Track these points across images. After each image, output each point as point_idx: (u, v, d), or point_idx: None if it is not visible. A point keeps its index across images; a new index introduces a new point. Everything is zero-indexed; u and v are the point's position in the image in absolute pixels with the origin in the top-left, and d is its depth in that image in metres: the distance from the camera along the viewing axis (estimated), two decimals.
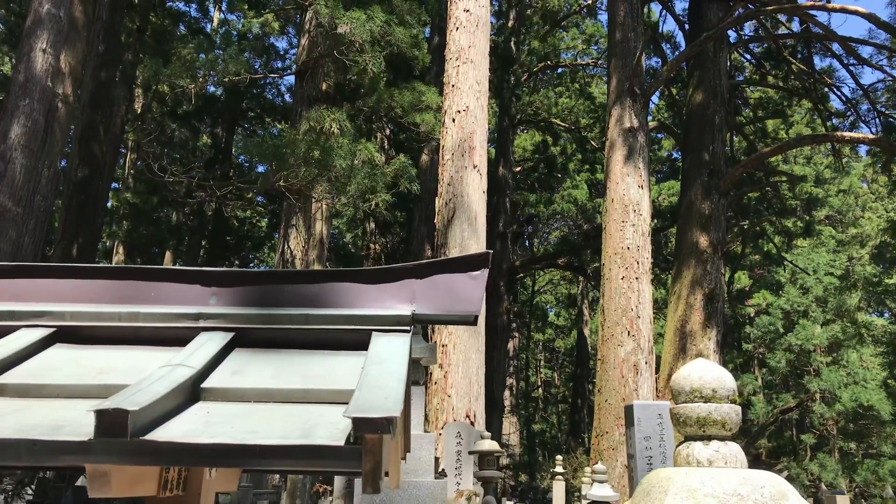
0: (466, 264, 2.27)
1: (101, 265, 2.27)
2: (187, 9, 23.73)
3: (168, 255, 24.31)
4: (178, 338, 2.04)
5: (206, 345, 1.93)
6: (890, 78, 18.28)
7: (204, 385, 1.75)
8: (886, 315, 26.43)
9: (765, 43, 19.91)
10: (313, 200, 13.00)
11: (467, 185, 11.61)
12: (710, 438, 2.76)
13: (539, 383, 41.19)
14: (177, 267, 2.26)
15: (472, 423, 10.15)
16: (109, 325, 2.07)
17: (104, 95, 15.64)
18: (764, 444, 19.93)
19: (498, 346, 22.38)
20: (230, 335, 2.03)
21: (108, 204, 20.88)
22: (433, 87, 15.46)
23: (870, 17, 14.53)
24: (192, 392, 1.71)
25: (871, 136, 16.47)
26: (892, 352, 21.71)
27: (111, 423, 1.38)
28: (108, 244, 23.46)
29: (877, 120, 18.50)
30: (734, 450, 2.72)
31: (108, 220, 21.94)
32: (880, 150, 17.79)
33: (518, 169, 27.42)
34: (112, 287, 2.16)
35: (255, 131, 24.53)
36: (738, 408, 2.82)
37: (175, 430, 1.46)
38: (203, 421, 1.54)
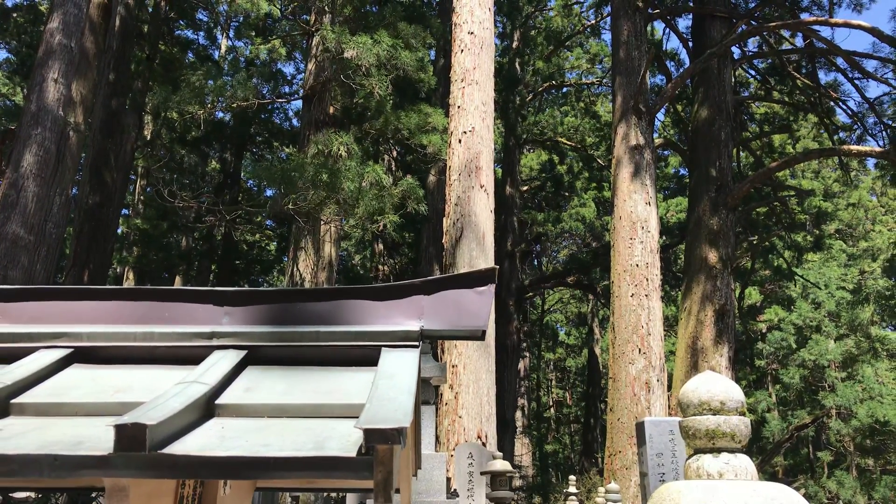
0: (473, 280, 2.31)
1: (116, 287, 2.32)
2: (195, 37, 24.13)
3: (178, 279, 24.45)
4: (192, 356, 2.08)
5: (220, 362, 1.97)
6: None
7: (218, 401, 1.79)
8: None
9: (769, 58, 19.99)
10: (322, 223, 13.10)
11: (475, 204, 11.67)
12: (719, 451, 2.76)
13: (551, 403, 40.91)
14: (190, 287, 2.31)
15: (483, 444, 10.11)
16: (125, 345, 2.12)
17: (115, 123, 15.88)
18: (780, 461, 19.70)
19: (508, 366, 22.30)
20: (243, 353, 2.07)
21: (119, 230, 21.10)
22: (439, 108, 15.61)
23: (873, 31, 14.59)
24: (206, 408, 1.75)
25: (878, 149, 16.45)
26: None
27: (130, 438, 1.42)
28: (118, 270, 23.64)
29: (884, 133, 18.47)
30: (744, 462, 2.72)
31: (119, 246, 22.14)
32: (888, 163, 17.76)
33: (525, 188, 27.52)
34: (127, 308, 2.21)
35: (263, 155, 24.77)
36: (747, 419, 2.82)
37: (191, 444, 1.50)
38: (218, 435, 1.58)
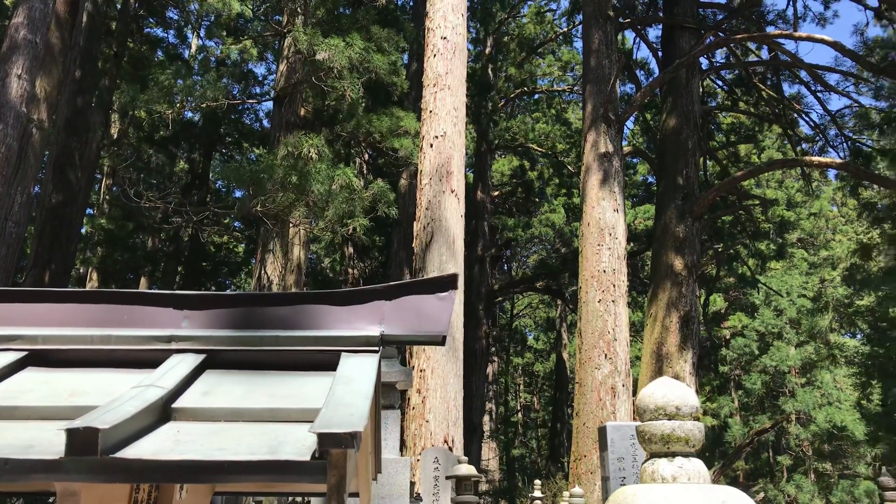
0: (435, 286, 2.34)
1: (73, 289, 2.30)
2: (165, 35, 23.83)
3: (143, 280, 24.06)
4: (149, 360, 2.07)
5: (178, 366, 1.97)
6: (856, 104, 18.80)
7: (175, 405, 1.79)
8: (858, 336, 26.86)
9: (735, 70, 20.41)
10: (291, 225, 13.02)
11: (445, 209, 11.71)
12: (674, 455, 2.83)
13: (518, 408, 41.09)
14: (149, 291, 2.30)
15: (450, 448, 10.13)
16: (81, 349, 2.10)
17: (80, 121, 15.60)
18: (741, 465, 20.05)
19: (477, 370, 22.37)
20: (202, 357, 2.07)
21: (83, 230, 20.70)
22: (411, 112, 15.63)
23: (835, 46, 14.98)
24: (162, 412, 1.75)
25: (839, 161, 16.88)
26: (864, 373, 22.03)
27: (82, 442, 1.42)
28: (81, 271, 23.19)
29: (845, 144, 18.96)
30: (697, 466, 2.79)
31: (83, 246, 21.72)
32: (849, 175, 18.23)
33: (496, 193, 27.66)
34: (84, 311, 2.19)
35: (232, 156, 24.53)
36: (702, 425, 2.90)
37: (145, 448, 1.50)
38: (173, 439, 1.58)
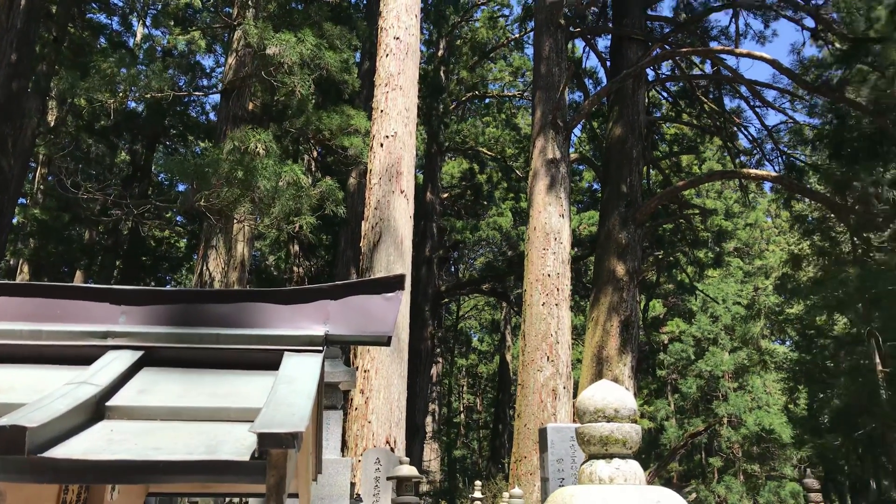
0: (381, 286, 2.34)
1: (2, 282, 2.21)
2: (109, 22, 23.04)
3: (79, 274, 23.21)
4: (84, 356, 2.01)
5: (113, 363, 1.91)
6: (792, 120, 19.59)
7: (109, 403, 1.74)
8: (787, 343, 27.98)
9: (680, 82, 21.00)
10: (235, 221, 12.77)
11: (394, 209, 11.68)
12: (612, 457, 2.89)
13: (461, 409, 41.28)
14: (85, 285, 2.23)
15: (392, 449, 10.11)
16: (9, 344, 2.02)
17: (14, 106, 14.93)
18: (675, 467, 20.62)
19: (421, 371, 22.37)
20: (139, 354, 2.01)
21: (14, 220, 19.83)
22: (362, 111, 15.54)
23: (773, 63, 15.57)
24: (95, 410, 1.70)
25: (774, 174, 17.55)
26: (791, 378, 22.94)
27: (8, 441, 1.36)
28: (11, 263, 22.22)
29: (780, 159, 19.72)
30: (634, 467, 2.86)
31: (14, 237, 20.80)
32: (782, 188, 18.96)
33: (445, 195, 27.74)
34: (14, 304, 2.11)
35: (176, 149, 23.90)
36: (639, 427, 2.97)
37: (75, 448, 1.45)
38: (106, 438, 1.53)
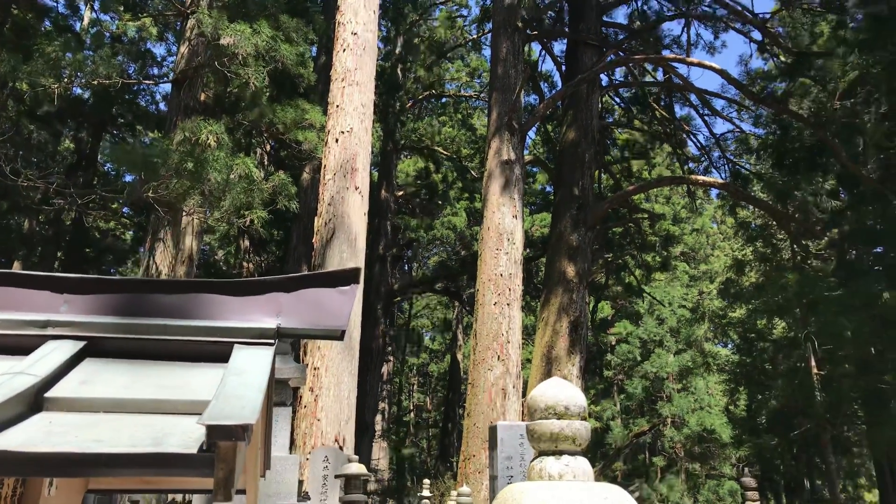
0: (336, 279, 2.31)
1: None
2: (54, 4, 22.29)
3: (17, 265, 22.33)
4: (21, 346, 1.92)
5: (53, 353, 1.84)
6: (738, 129, 20.20)
7: (48, 395, 1.67)
8: (730, 346, 28.86)
9: (633, 89, 21.43)
10: (184, 214, 12.48)
11: (348, 206, 11.58)
12: (561, 453, 2.92)
13: (411, 408, 41.25)
14: (25, 272, 2.14)
15: (340, 448, 10.03)
16: None
17: None
18: (620, 466, 21.04)
19: (372, 369, 22.26)
20: (81, 344, 1.94)
21: None
22: (318, 106, 15.35)
23: (722, 73, 16.01)
24: (34, 402, 1.63)
25: (720, 181, 18.06)
26: (732, 380, 23.68)
27: None
28: None
29: (726, 166, 20.32)
30: (582, 464, 2.89)
31: None
32: (728, 194, 19.53)
33: (400, 193, 27.67)
34: None
35: (124, 138, 23.19)
36: (588, 424, 3.01)
37: (11, 440, 1.39)
38: (45, 430, 1.47)
